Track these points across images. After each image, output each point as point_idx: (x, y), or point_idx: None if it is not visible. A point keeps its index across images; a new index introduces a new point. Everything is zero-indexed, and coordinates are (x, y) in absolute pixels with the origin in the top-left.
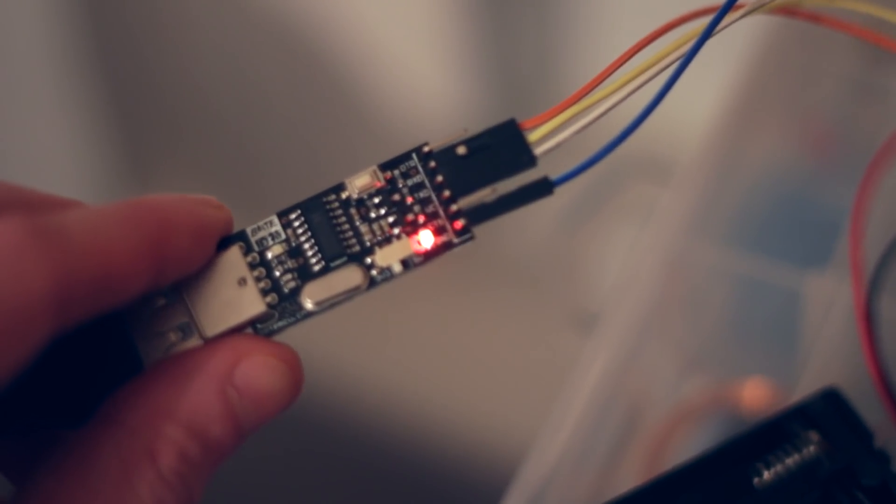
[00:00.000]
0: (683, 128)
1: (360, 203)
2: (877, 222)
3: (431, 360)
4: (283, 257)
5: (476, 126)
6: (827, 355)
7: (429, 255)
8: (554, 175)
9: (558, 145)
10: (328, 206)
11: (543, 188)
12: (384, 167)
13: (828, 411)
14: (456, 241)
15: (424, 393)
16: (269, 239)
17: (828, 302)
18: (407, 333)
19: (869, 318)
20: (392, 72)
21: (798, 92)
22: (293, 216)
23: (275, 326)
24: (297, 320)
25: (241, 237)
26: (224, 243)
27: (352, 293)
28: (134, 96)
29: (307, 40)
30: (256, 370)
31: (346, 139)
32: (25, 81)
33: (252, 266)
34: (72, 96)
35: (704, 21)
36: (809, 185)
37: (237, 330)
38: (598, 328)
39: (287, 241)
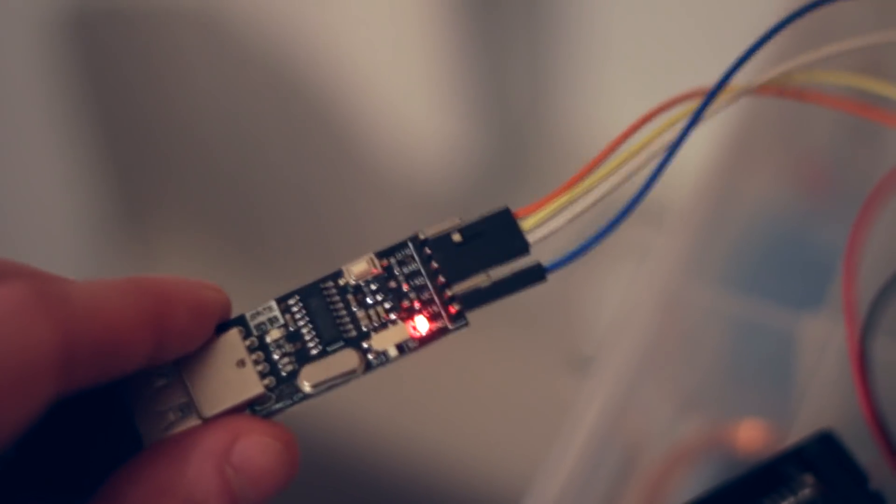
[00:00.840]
0: (677, 169)
1: (357, 289)
2: (871, 263)
3: (427, 399)
4: (281, 341)
5: (472, 168)
6: (821, 396)
7: (424, 341)
8: (546, 260)
9: (552, 233)
10: (326, 293)
11: (536, 274)
12: (381, 255)
13: (823, 454)
14: (451, 327)
15: (420, 433)
16: (268, 324)
17: (822, 343)
18: (402, 373)
19: (863, 360)
20: (387, 111)
21: (792, 133)
22: (291, 302)
23: (273, 408)
24: (294, 402)
25: (240, 322)
26: (223, 327)
27: (348, 376)
28: (129, 150)
29: (302, 84)
30: (253, 449)
31: (341, 180)
32: (20, 133)
33: (251, 349)
34: (67, 153)
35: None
36: (804, 226)
37: (235, 410)
38: (595, 369)
39: (285, 325)
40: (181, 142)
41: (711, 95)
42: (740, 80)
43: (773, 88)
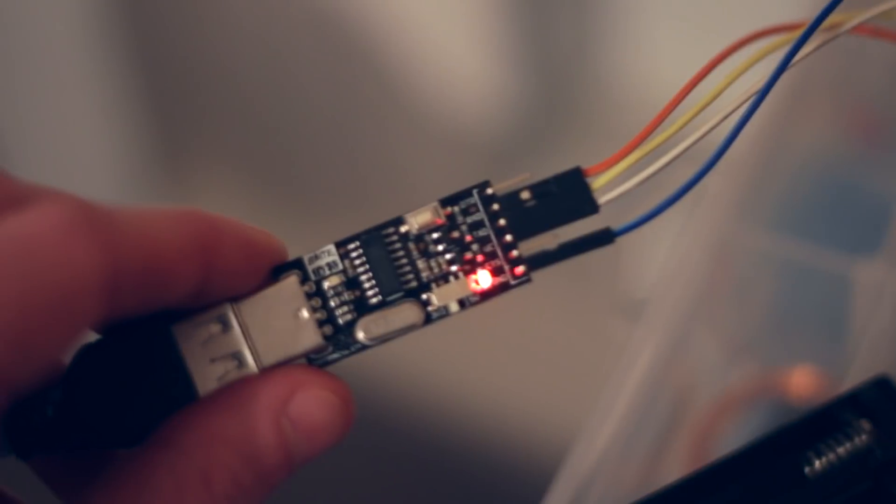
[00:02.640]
0: (731, 121)
1: (420, 238)
2: None
3: (477, 349)
4: (339, 288)
5: (520, 118)
6: (877, 343)
7: (486, 295)
8: (613, 219)
9: (622, 195)
10: (387, 240)
11: (605, 238)
12: (444, 203)
13: (880, 399)
14: (513, 282)
15: (470, 382)
16: (326, 269)
17: (878, 288)
18: (451, 323)
19: None
20: (431, 56)
21: (847, 77)
22: (351, 247)
23: (329, 358)
24: (351, 353)
25: (298, 265)
26: (280, 271)
27: (408, 329)
28: (174, 99)
29: (346, 26)
30: (311, 403)
31: (385, 125)
32: (64, 81)
33: (308, 296)
34: (106, 92)
35: (772, 40)
36: (859, 171)
37: (292, 360)
38: (645, 315)
39: (344, 272)
40: (222, 86)
41: (809, 32)
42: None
43: (867, 28)
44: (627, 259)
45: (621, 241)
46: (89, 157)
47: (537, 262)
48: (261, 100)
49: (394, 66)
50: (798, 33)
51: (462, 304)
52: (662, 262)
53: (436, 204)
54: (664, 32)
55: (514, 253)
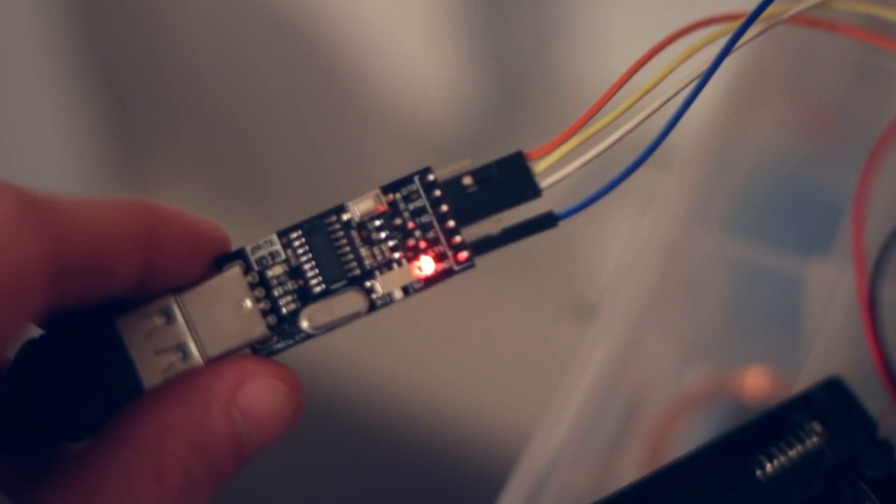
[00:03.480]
0: (673, 107)
1: (362, 226)
2: (879, 207)
3: (430, 347)
4: (282, 278)
5: (474, 112)
6: (829, 343)
7: (429, 282)
8: (556, 205)
9: (564, 178)
10: (330, 228)
11: (547, 221)
12: (386, 190)
13: (831, 401)
14: (456, 268)
15: (423, 381)
16: (269, 258)
17: (830, 289)
18: (404, 321)
19: (872, 306)
20: (389, 52)
21: (798, 75)
22: (294, 236)
23: (274, 348)
24: (296, 342)
25: (241, 255)
26: (223, 262)
27: (352, 318)
28: (130, 92)
29: (303, 23)
30: (260, 392)
31: (343, 122)
32: (19, 75)
33: (252, 286)
34: (67, 92)
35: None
36: (810, 170)
37: (237, 351)
38: (599, 316)
39: (287, 261)
40: (179, 81)
41: (748, 22)
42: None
43: (803, 19)
44: (580, 261)
45: (574, 242)
46: (45, 153)
47: (481, 247)
48: (219, 97)
49: (351, 63)
50: (738, 23)
51: (406, 290)
52: (615, 264)
53: (377, 191)
54: (620, 28)
55: (457, 238)
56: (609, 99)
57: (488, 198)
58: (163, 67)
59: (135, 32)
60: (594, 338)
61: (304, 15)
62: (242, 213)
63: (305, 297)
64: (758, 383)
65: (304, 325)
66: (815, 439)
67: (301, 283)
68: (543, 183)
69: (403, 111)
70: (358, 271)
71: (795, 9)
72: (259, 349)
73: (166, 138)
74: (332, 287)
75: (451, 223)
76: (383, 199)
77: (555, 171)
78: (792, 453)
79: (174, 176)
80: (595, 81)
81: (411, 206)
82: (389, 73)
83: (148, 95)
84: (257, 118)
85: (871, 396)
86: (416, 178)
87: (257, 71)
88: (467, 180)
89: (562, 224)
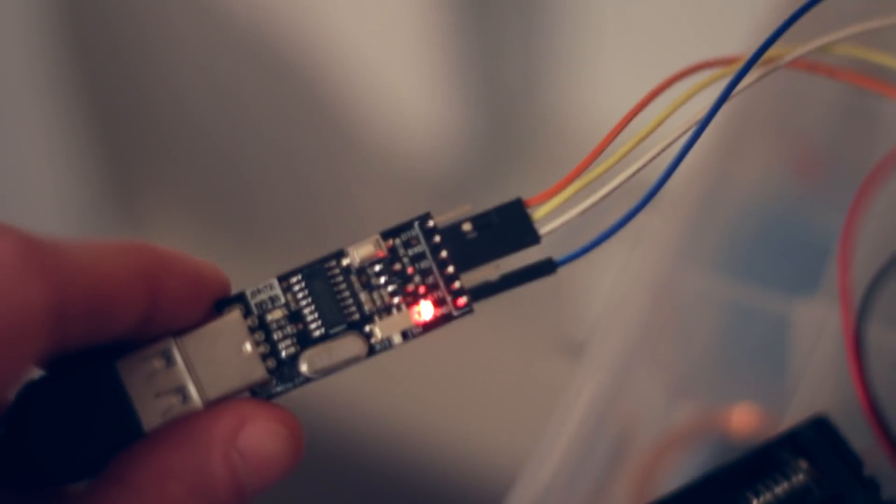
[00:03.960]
0: (671, 153)
1: (361, 271)
2: (866, 247)
3: (421, 383)
4: (282, 321)
5: (466, 151)
6: (816, 381)
7: (428, 327)
8: (555, 250)
9: (563, 225)
10: (329, 273)
11: (546, 268)
12: (386, 235)
13: (817, 439)
14: (455, 313)
15: (411, 417)
16: (269, 303)
17: (817, 328)
18: (397, 358)
19: (858, 345)
20: (380, 93)
21: (787, 116)
22: (293, 280)
23: (273, 391)
24: (295, 386)
25: (241, 299)
26: (223, 305)
27: (351, 362)
28: (120, 129)
29: (296, 64)
30: (260, 435)
31: (335, 162)
32: (9, 111)
33: (251, 330)
34: (56, 128)
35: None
36: (798, 210)
37: (236, 394)
38: (587, 354)
39: (287, 305)
40: (173, 122)
41: (748, 66)
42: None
43: (804, 63)
44: (569, 299)
45: (563, 280)
46: (38, 194)
47: (479, 293)
48: (210, 134)
49: (342, 102)
50: (737, 66)
51: (405, 335)
52: (604, 302)
53: (377, 236)
54: (610, 68)
55: (456, 284)
56: (609, 143)
57: (487, 244)
58: (154, 104)
59: (125, 69)
60: (583, 375)
61: (295, 53)
62: (233, 249)
63: (305, 340)
64: (745, 420)
65: (304, 368)
66: (801, 476)
67: (300, 326)
68: (543, 230)
69: (394, 149)
70: (357, 316)
71: (794, 53)
72: (258, 392)
73: (157, 175)
74: (332, 331)
75: (451, 269)
76: (383, 244)
77: (554, 218)
78: (778, 490)
79: (164, 212)
80: (586, 121)
81: (411, 252)
82: (380, 112)
83: (139, 132)
84: (248, 155)
85: (856, 434)
86: (415, 224)
87: (248, 108)
88: (467, 226)
89: None
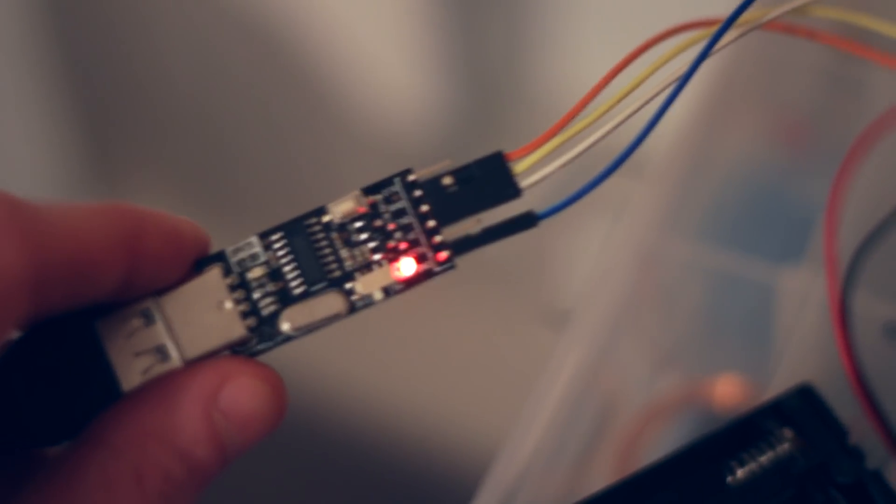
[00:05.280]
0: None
1: (342, 228)
2: (851, 216)
3: (400, 356)
4: (263, 280)
5: (447, 124)
6: (801, 351)
7: (410, 283)
8: (536, 205)
9: (544, 178)
10: (310, 230)
11: (528, 221)
12: (367, 191)
13: (802, 408)
14: (437, 269)
15: (393, 390)
16: (250, 261)
17: (802, 297)
18: (375, 331)
19: (843, 314)
20: (361, 64)
21: (771, 85)
22: (274, 238)
23: (254, 349)
24: (276, 344)
25: (221, 258)
26: (202, 264)
27: (332, 319)
28: (103, 101)
29: (280, 38)
30: (242, 393)
31: (316, 131)
32: None
33: (232, 288)
34: (39, 102)
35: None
36: (783, 180)
37: (216, 353)
38: (570, 325)
39: (267, 263)
40: (153, 90)
41: (726, 26)
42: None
43: (780, 25)
44: (553, 269)
45: (546, 250)
46: (18, 164)
47: (461, 246)
48: (192, 105)
49: (325, 71)
50: (715, 28)
51: (386, 292)
52: (588, 272)
53: (357, 192)
54: (590, 38)
55: (438, 238)
56: (589, 102)
57: (469, 198)
58: (136, 76)
59: (108, 41)
60: (566, 345)
61: (278, 24)
62: (215, 220)
63: (286, 298)
64: (729, 391)
65: (285, 326)
66: (786, 445)
67: (281, 284)
68: (523, 183)
69: (375, 119)
70: (338, 273)
71: (772, 14)
72: (239, 351)
73: (140, 146)
74: (313, 289)
75: (432, 223)
76: (364, 200)
77: (534, 172)
78: (763, 459)
79: (148, 184)
80: (567, 91)
81: (392, 208)
82: (362, 81)
83: (121, 104)
84: (231, 126)
85: (841, 404)
86: (396, 180)
87: (231, 79)
88: (447, 180)
89: (534, 231)
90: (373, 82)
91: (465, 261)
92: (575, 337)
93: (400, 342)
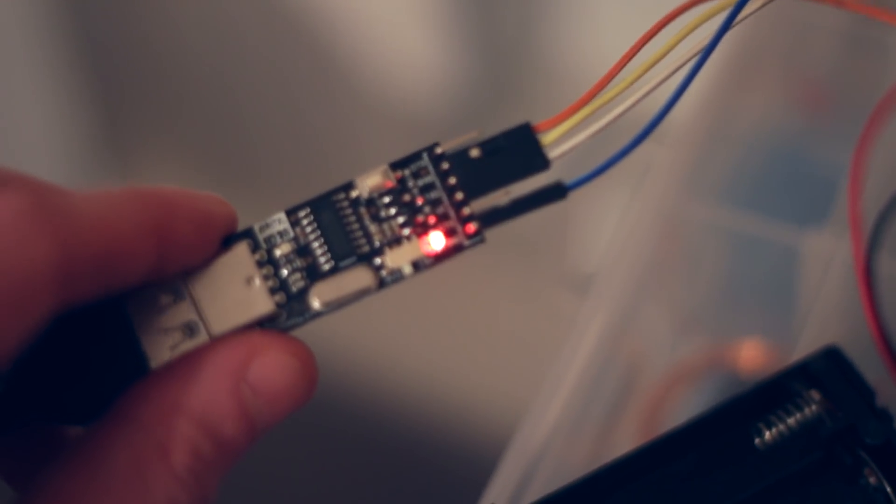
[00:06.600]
0: (679, 80)
1: (371, 202)
2: (875, 178)
3: (425, 325)
4: (291, 256)
5: (467, 97)
6: (826, 313)
7: (439, 257)
8: (564, 175)
9: (572, 149)
10: (338, 205)
11: (557, 192)
12: (395, 166)
13: (829, 370)
14: (466, 243)
15: (419, 358)
16: (277, 237)
17: (826, 259)
18: (399, 300)
19: (869, 275)
20: (378, 40)
21: (794, 48)
22: (302, 214)
23: (283, 326)
24: (306, 320)
25: (248, 234)
26: (230, 241)
27: (361, 294)
28: (118, 76)
29: (296, 12)
30: (271, 368)
31: (332, 102)
32: (4, 62)
33: (260, 264)
34: (53, 78)
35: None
36: (806, 142)
37: (244, 328)
38: (594, 289)
39: (295, 239)
40: (169, 65)
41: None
42: None
43: None
44: (575, 233)
45: (569, 214)
46: (31, 140)
47: (490, 218)
48: (209, 80)
49: (341, 46)
50: None
51: (416, 266)
52: (610, 236)
53: (385, 167)
54: (613, 9)
55: (466, 211)
56: (617, 72)
57: (496, 170)
58: (152, 51)
59: (123, 17)
60: (590, 310)
61: (295, 1)
62: (233, 197)
63: (314, 274)
64: (753, 355)
65: (314, 303)
66: (813, 407)
67: (310, 260)
68: (551, 154)
69: (394, 91)
70: (367, 248)
71: None
72: (267, 327)
73: (155, 122)
74: (342, 264)
75: (460, 195)
76: (392, 174)
77: (562, 143)
78: (791, 421)
79: (164, 160)
80: (586, 63)
81: (420, 183)
82: (381, 54)
83: (137, 79)
84: (247, 101)
85: (868, 366)
86: (424, 155)
87: (247, 53)
88: (475, 152)
89: None
90: (391, 54)
91: (498, 227)
92: (599, 301)
93: (423, 310)
